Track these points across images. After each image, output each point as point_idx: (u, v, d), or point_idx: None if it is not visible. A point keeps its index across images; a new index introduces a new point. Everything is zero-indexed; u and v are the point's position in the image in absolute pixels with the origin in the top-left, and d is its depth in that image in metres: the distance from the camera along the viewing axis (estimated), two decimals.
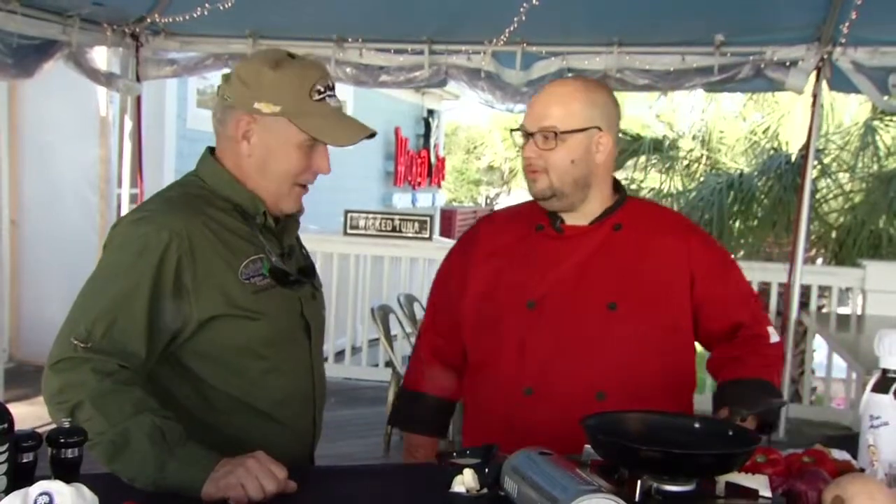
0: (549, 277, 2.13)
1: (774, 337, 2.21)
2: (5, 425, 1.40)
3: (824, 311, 7.08)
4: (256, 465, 1.62)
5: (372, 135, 1.96)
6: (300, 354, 1.97)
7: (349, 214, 7.49)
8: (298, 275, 1.99)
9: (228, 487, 1.59)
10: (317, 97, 1.88)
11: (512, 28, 5.27)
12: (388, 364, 5.92)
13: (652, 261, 2.14)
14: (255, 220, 1.92)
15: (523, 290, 2.14)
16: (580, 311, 2.10)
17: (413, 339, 6.12)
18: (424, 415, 2.36)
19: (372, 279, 7.29)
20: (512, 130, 2.25)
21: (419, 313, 6.31)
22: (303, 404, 1.98)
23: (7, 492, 1.25)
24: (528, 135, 2.12)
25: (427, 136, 14.72)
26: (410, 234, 7.43)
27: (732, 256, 2.41)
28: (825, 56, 5.18)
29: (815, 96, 5.51)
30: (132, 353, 1.75)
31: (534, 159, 2.10)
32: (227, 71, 6.09)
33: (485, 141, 25.45)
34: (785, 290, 6.00)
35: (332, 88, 1.92)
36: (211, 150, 1.98)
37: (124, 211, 6.30)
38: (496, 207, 23.66)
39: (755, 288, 6.74)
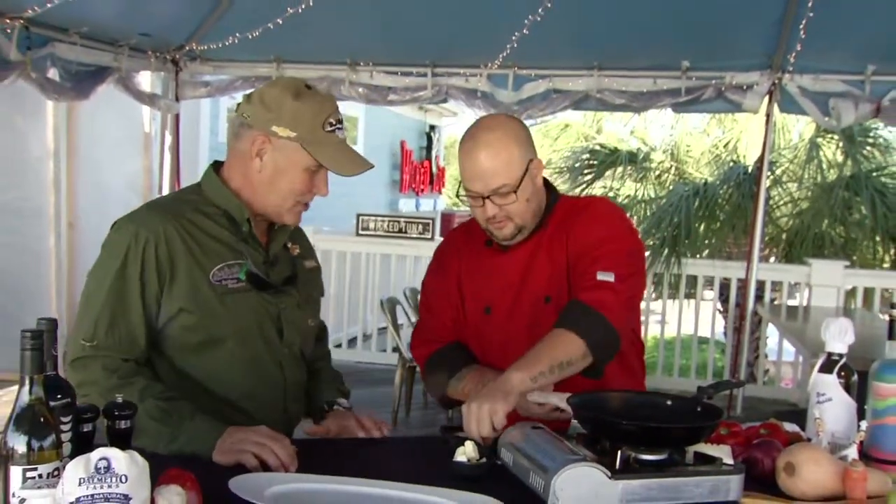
0: (499, 284, 2.06)
1: None
2: (68, 399, 1.41)
3: (776, 303, 7.09)
4: (265, 436, 1.64)
5: (370, 167, 1.93)
6: (270, 353, 1.94)
7: (360, 217, 7.48)
8: (282, 284, 1.95)
9: (239, 454, 1.60)
10: (328, 128, 1.85)
11: (505, 53, 5.27)
12: (395, 349, 5.93)
13: (566, 245, 2.03)
14: (241, 228, 1.90)
15: (481, 298, 2.09)
16: (524, 310, 2.03)
17: None
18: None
19: (381, 275, 7.29)
20: (459, 195, 2.02)
21: None
22: (269, 396, 1.95)
23: (71, 457, 1.26)
24: (480, 196, 1.94)
25: (429, 148, 14.70)
26: (415, 235, 7.43)
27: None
28: (776, 81, 5.20)
29: (768, 116, 5.53)
30: (134, 344, 1.79)
31: (497, 216, 1.96)
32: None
33: None
34: (743, 284, 6.01)
35: (342, 122, 1.89)
36: (214, 165, 1.96)
37: None
38: None
39: (717, 283, 6.79)
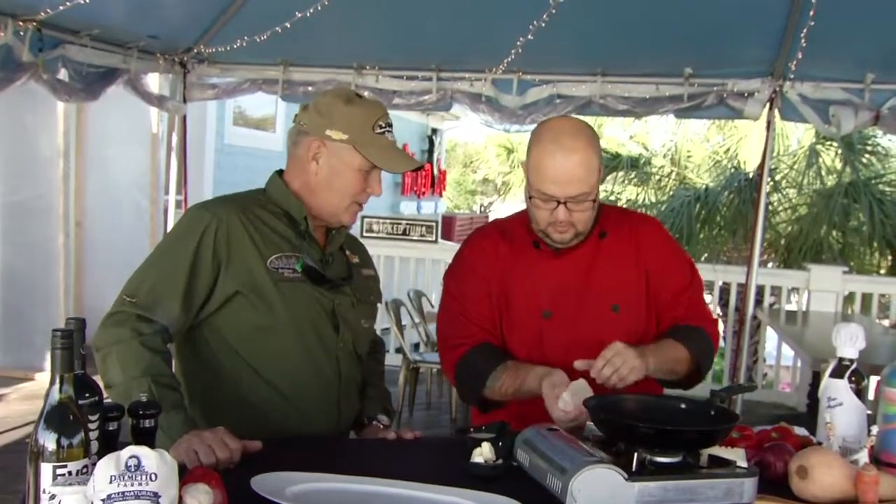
0: (557, 288, 2.06)
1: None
2: (96, 398, 1.42)
3: (775, 307, 7.11)
4: (210, 436, 1.64)
5: (420, 167, 2.08)
6: (324, 347, 1.96)
7: (364, 219, 7.49)
8: (339, 281, 2.00)
9: (185, 453, 1.61)
10: (378, 130, 1.94)
11: (509, 59, 5.27)
12: (399, 350, 5.93)
13: (635, 260, 2.09)
14: (299, 226, 1.97)
15: (536, 302, 2.06)
16: (589, 316, 2.03)
17: (420, 329, 6.15)
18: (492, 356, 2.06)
19: (385, 276, 7.27)
20: (531, 198, 1.99)
21: (426, 306, 6.32)
22: (323, 390, 1.97)
23: (98, 455, 1.26)
24: (554, 200, 1.95)
25: (431, 151, 14.71)
26: (417, 238, 7.44)
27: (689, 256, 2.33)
28: (777, 89, 5.21)
29: (768, 123, 5.54)
30: (169, 309, 1.83)
31: (565, 221, 1.97)
32: (260, 93, 6.12)
33: (480, 156, 25.37)
34: (743, 289, 6.01)
35: (391, 125, 1.97)
36: (279, 173, 2.05)
37: (171, 214, 6.31)
38: (490, 214, 23.70)
39: (717, 288, 6.80)
